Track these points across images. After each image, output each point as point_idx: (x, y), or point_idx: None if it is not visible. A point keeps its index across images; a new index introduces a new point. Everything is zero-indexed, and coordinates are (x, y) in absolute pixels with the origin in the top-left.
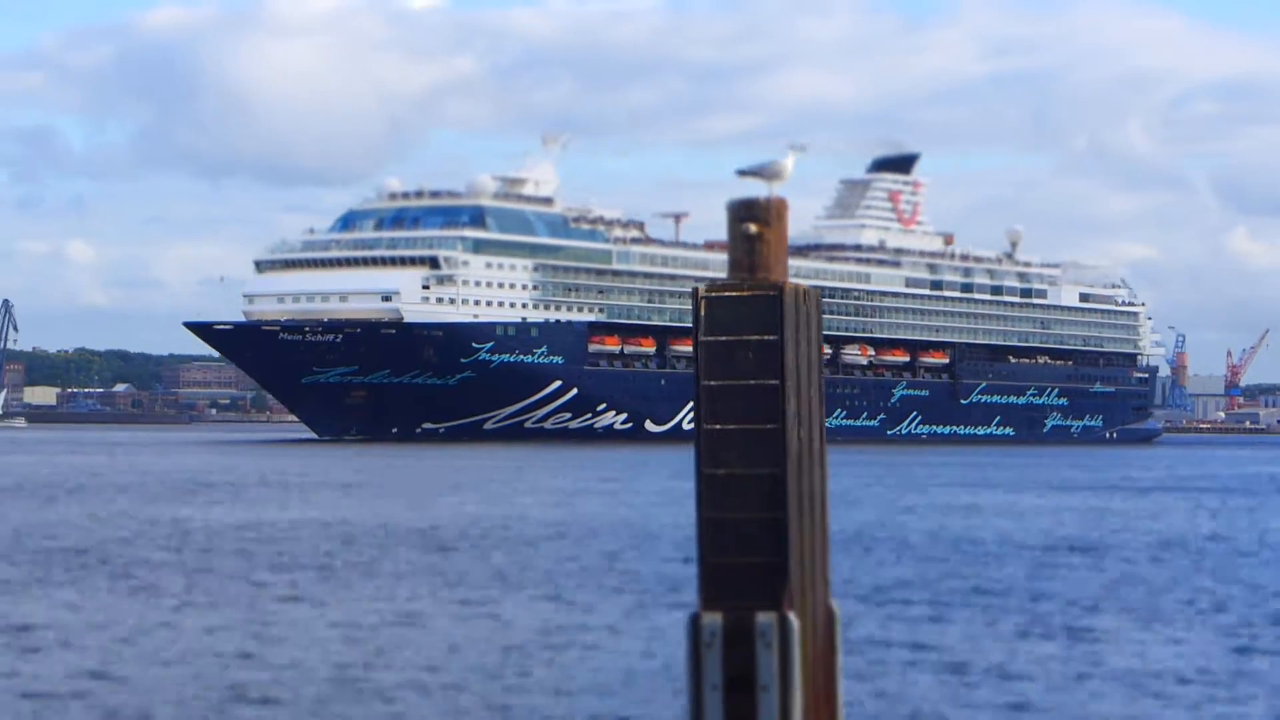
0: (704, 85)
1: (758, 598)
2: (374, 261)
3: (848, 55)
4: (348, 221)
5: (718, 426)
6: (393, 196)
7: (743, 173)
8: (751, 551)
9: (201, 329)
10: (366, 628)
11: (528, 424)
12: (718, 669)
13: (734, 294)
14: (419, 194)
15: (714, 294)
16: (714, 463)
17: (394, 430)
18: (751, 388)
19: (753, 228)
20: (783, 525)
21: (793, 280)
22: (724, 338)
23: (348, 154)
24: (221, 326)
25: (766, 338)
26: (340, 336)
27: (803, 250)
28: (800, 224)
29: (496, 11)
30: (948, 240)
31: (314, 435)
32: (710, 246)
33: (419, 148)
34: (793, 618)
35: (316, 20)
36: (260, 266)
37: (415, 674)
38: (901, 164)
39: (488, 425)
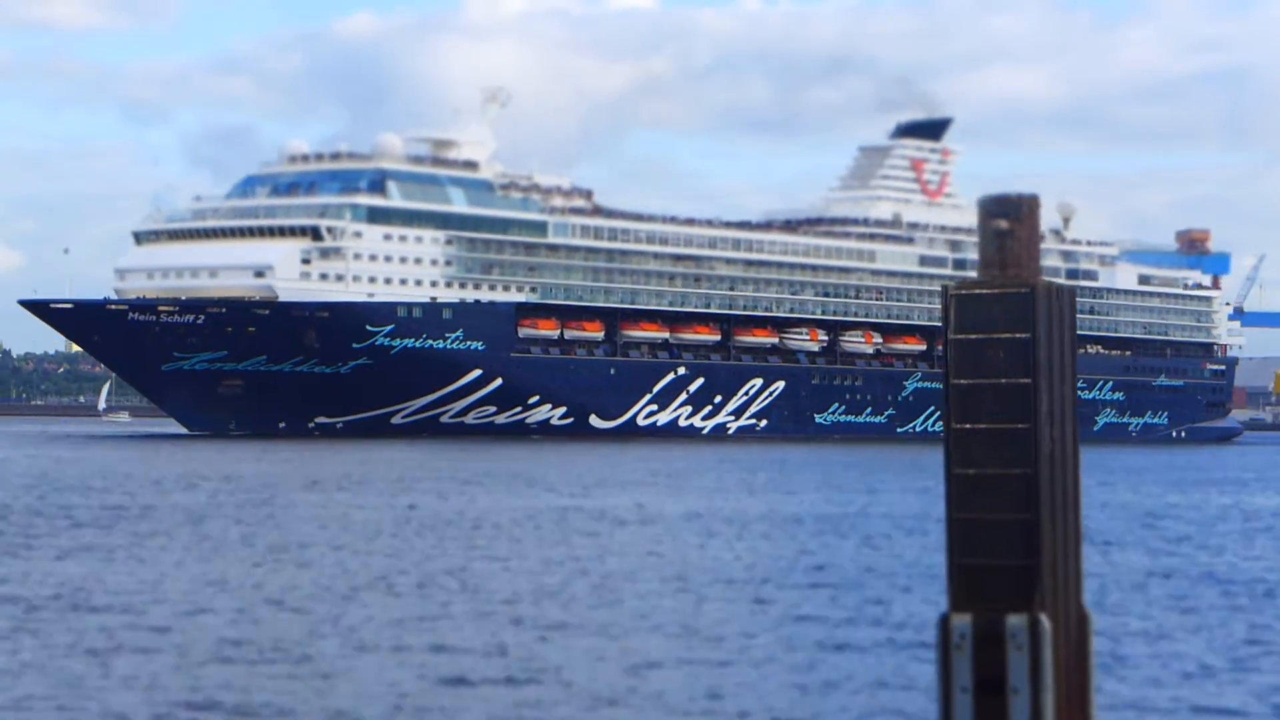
0: (894, 84)
1: (1009, 599)
2: (251, 232)
3: (1041, 52)
4: (243, 188)
5: (968, 426)
6: (293, 159)
7: None
8: (1003, 553)
9: (38, 308)
10: None
11: (444, 418)
12: (968, 671)
13: (985, 291)
14: (319, 157)
15: (964, 291)
16: (964, 462)
17: (282, 425)
18: (1003, 386)
19: (1004, 224)
20: (1035, 526)
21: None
22: (975, 336)
23: (541, 151)
24: (60, 305)
25: (1018, 336)
26: (202, 317)
27: (801, 225)
28: (813, 196)
29: (687, 12)
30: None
31: (184, 430)
32: (691, 222)
33: (614, 147)
34: (1045, 620)
35: (509, 23)
36: (139, 238)
37: None
38: (930, 129)
39: (396, 420)
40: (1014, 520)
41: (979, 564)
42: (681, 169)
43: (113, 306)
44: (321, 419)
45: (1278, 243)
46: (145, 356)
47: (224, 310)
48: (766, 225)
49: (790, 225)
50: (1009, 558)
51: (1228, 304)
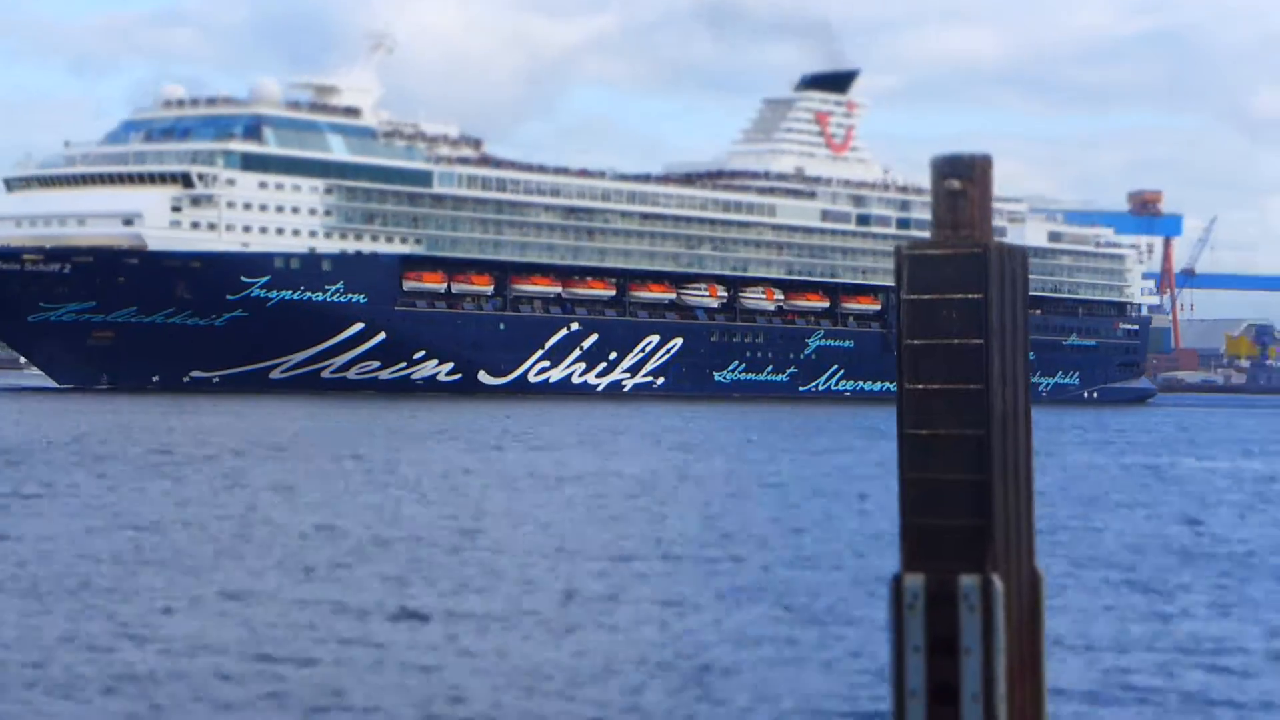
0: (842, 44)
1: (961, 560)
2: (121, 179)
3: (991, 11)
4: (117, 134)
5: (920, 386)
6: (168, 105)
7: None
8: (955, 513)
9: None
10: None
11: (325, 373)
12: (920, 631)
13: (937, 252)
14: (195, 102)
15: (916, 252)
16: (916, 423)
17: (155, 379)
18: (955, 347)
19: (956, 184)
20: (987, 487)
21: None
22: (928, 296)
23: (486, 111)
24: None
25: (971, 296)
26: (68, 266)
27: (701, 178)
28: (715, 149)
29: None
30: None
31: (53, 384)
32: (585, 174)
33: (560, 103)
34: (997, 580)
35: None
36: (9, 185)
37: None
38: (835, 81)
39: (274, 375)
40: (966, 481)
41: (931, 524)
42: (625, 126)
43: None
44: (196, 373)
45: (1229, 205)
46: (10, 307)
47: (91, 259)
48: (664, 179)
49: (689, 179)
50: (961, 518)
51: (1141, 262)
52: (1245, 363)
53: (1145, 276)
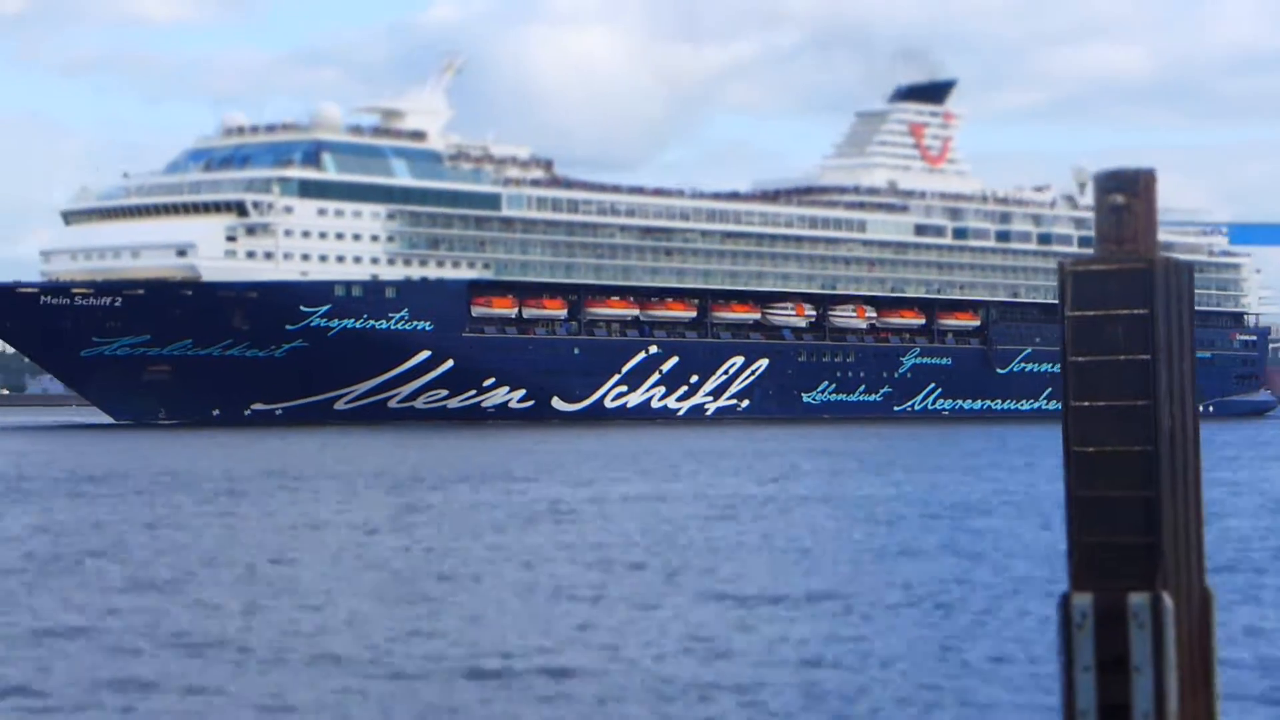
0: (995, 60)
1: (1131, 578)
2: (176, 209)
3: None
4: (178, 164)
5: (1086, 403)
6: (229, 133)
7: None
8: (1124, 531)
9: None
10: None
11: (392, 403)
12: (1090, 650)
13: (1102, 268)
14: (255, 129)
15: (1081, 268)
16: (1084, 440)
17: (216, 413)
18: (1122, 363)
19: (1120, 198)
20: (1156, 503)
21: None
22: (1092, 312)
23: (625, 138)
24: None
25: (1137, 312)
26: (119, 299)
27: (788, 195)
28: (807, 165)
29: None
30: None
31: (109, 419)
32: (660, 193)
33: (702, 130)
34: (1167, 598)
35: (593, 9)
36: (68, 218)
37: None
38: (931, 92)
39: (339, 405)
40: (1135, 498)
41: (1100, 542)
42: (761, 149)
43: (23, 290)
44: (258, 406)
45: None
46: (63, 342)
47: (143, 292)
48: (748, 196)
49: (774, 195)
50: (1130, 535)
51: (1258, 271)
52: None
53: None
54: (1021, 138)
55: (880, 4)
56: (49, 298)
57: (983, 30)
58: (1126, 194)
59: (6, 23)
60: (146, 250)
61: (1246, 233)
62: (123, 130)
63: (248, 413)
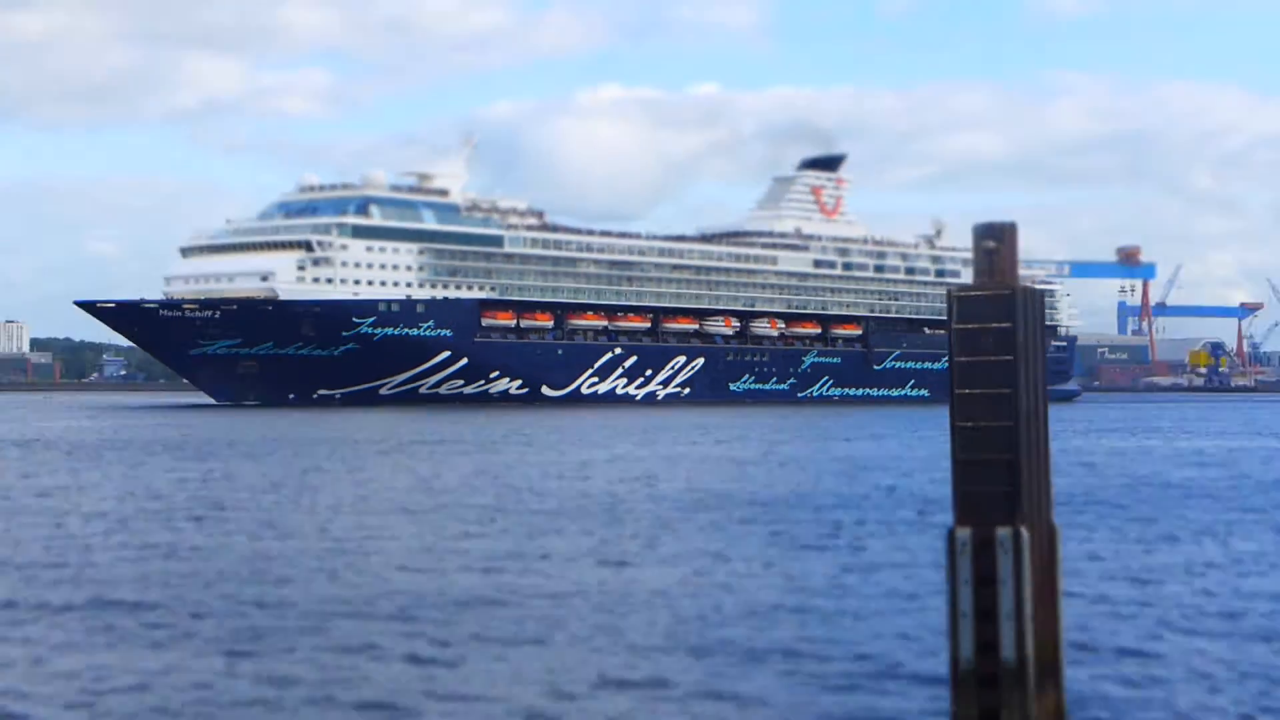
0: (887, 142)
1: (998, 517)
2: (260, 246)
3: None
4: (269, 212)
5: (967, 391)
6: (304, 189)
7: None
8: (993, 483)
9: (89, 306)
10: None
11: (422, 390)
12: (969, 569)
13: (979, 293)
14: (323, 187)
15: (963, 294)
16: (965, 418)
17: (291, 396)
18: (992, 363)
19: (991, 244)
20: (1016, 464)
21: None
22: (971, 325)
23: (631, 198)
24: (104, 305)
25: (1003, 325)
26: (218, 313)
27: (721, 237)
28: (736, 215)
29: (734, 95)
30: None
31: (212, 401)
32: (624, 235)
33: (686, 194)
34: (1024, 531)
35: (606, 106)
36: (184, 253)
37: None
38: (828, 163)
39: (383, 391)
40: (1001, 459)
41: (976, 491)
42: (730, 208)
43: (146, 305)
44: (323, 391)
45: (1181, 256)
46: (176, 344)
47: (235, 307)
48: (696, 238)
49: (710, 238)
50: (997, 486)
51: (1068, 295)
52: (1204, 370)
53: (1127, 310)
54: (906, 200)
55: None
56: (166, 311)
57: (879, 122)
58: (996, 240)
59: (188, 115)
60: (239, 276)
61: (1082, 269)
62: (268, 194)
63: (315, 396)
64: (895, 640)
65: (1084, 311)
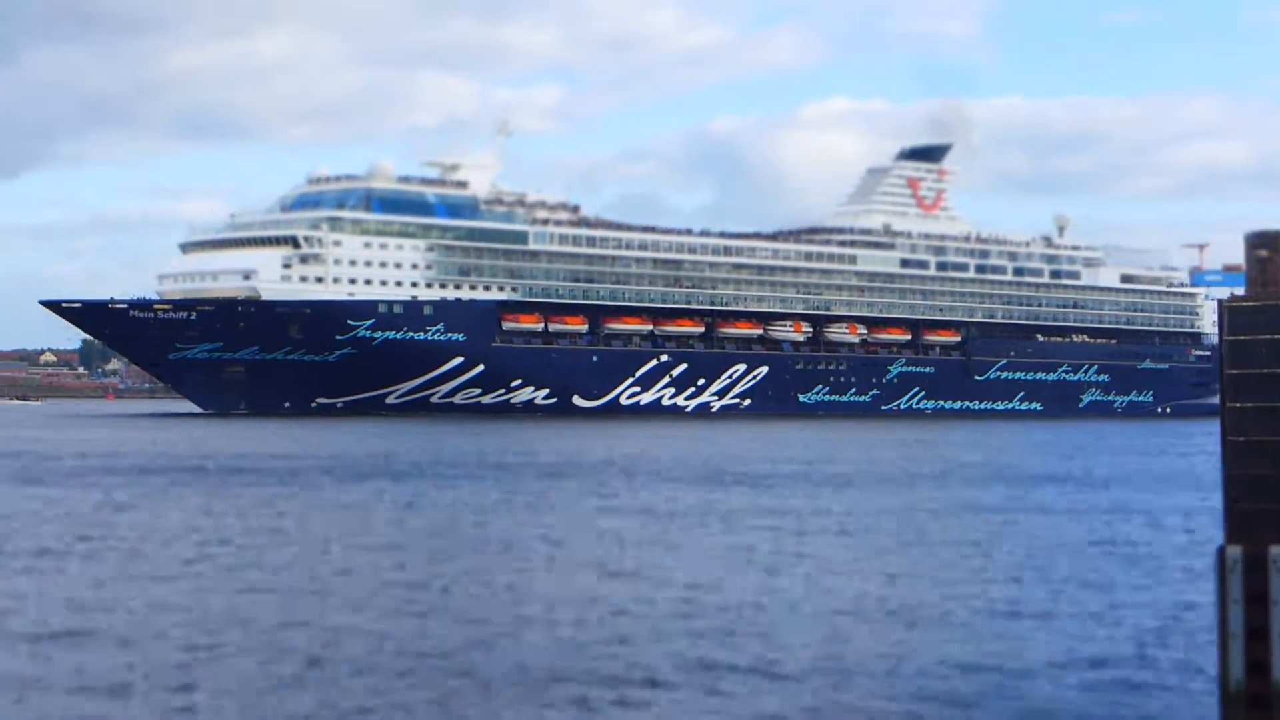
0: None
1: (1272, 535)
2: (247, 243)
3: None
4: (273, 205)
5: (1239, 405)
6: (311, 182)
7: None
8: (1267, 499)
9: (52, 305)
10: None
11: (434, 399)
12: (1239, 588)
13: (1251, 304)
14: (327, 179)
15: (1235, 304)
16: (1237, 432)
17: (286, 405)
18: (1266, 375)
19: (1264, 252)
20: None
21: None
22: (1244, 337)
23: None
24: (70, 304)
25: (1277, 337)
26: (194, 314)
27: (794, 234)
28: (821, 210)
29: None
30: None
31: (197, 409)
32: (670, 231)
33: None
34: None
35: (831, 119)
36: (183, 248)
37: None
38: (930, 153)
39: (390, 400)
40: (1275, 475)
41: (1249, 508)
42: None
43: (114, 306)
44: (322, 399)
45: None
46: (152, 347)
47: (211, 309)
48: (758, 235)
49: (780, 235)
50: (1273, 503)
51: (1211, 299)
52: None
53: None
54: (1140, 210)
55: (1037, 112)
56: (136, 312)
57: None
58: (1269, 248)
59: (427, 132)
60: (223, 275)
61: None
62: None
63: (314, 405)
64: None
65: None
